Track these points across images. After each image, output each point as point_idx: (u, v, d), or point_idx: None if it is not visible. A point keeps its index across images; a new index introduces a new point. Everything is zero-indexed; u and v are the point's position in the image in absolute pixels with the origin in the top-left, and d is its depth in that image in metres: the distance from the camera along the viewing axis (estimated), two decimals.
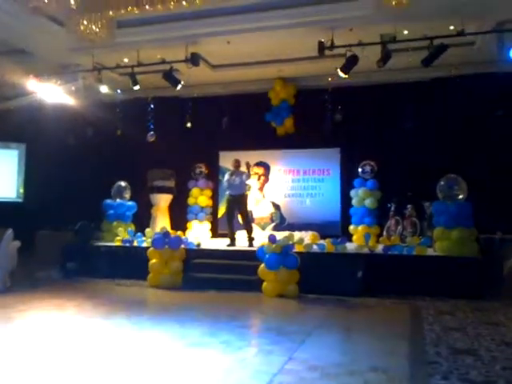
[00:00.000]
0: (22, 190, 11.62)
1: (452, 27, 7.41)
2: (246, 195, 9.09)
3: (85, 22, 8.01)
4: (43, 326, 5.20)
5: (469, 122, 9.11)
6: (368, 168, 9.74)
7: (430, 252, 7.66)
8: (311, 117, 10.29)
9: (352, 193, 9.84)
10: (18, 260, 7.77)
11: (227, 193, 9.13)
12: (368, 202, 9.58)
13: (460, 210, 7.48)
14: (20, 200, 11.57)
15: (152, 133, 11.03)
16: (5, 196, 11.45)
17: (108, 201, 10.10)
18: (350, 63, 7.97)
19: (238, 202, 8.92)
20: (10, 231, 7.56)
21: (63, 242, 9.30)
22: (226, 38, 8.42)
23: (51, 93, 9.73)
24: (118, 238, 9.24)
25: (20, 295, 6.90)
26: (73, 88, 9.88)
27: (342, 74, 8.18)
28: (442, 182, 7.93)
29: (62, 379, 3.59)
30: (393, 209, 9.13)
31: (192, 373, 3.72)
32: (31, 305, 6.27)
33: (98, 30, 8.16)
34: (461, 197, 7.75)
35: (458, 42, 7.69)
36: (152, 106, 11.26)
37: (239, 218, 9.27)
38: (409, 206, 8.95)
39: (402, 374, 3.78)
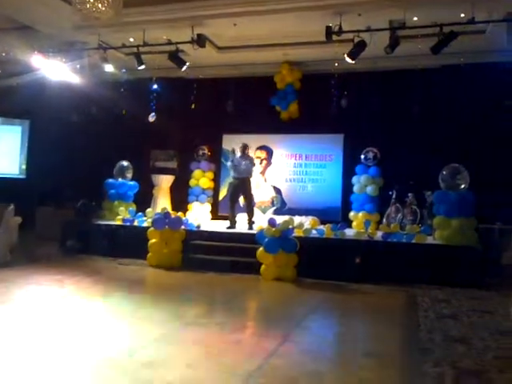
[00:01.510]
0: (24, 167, 11.65)
1: (463, 15, 7.30)
2: (250, 179, 9.10)
3: (91, 0, 7.96)
4: (41, 301, 5.26)
5: (475, 112, 9.03)
6: (371, 155, 9.70)
7: (429, 240, 7.66)
8: (316, 102, 10.21)
9: (354, 179, 9.82)
10: (18, 235, 7.83)
11: (232, 175, 9.13)
12: (369, 189, 9.56)
13: (461, 199, 7.46)
14: (22, 176, 11.62)
15: (153, 114, 10.97)
16: (7, 172, 11.50)
17: (110, 180, 10.12)
18: (358, 49, 7.87)
19: (243, 186, 8.95)
20: (11, 207, 7.60)
21: (64, 219, 9.35)
22: (232, 20, 8.31)
23: (56, 70, 9.69)
24: (119, 217, 9.29)
25: (19, 270, 6.97)
26: (78, 66, 9.82)
27: (349, 60, 8.10)
28: (445, 172, 7.89)
29: (56, 354, 3.64)
30: (394, 196, 9.11)
31: (186, 353, 3.76)
32: (30, 279, 6.34)
33: (104, 8, 8.08)
34: (463, 186, 7.72)
35: (468, 30, 7.57)
36: (156, 86, 11.21)
37: (241, 201, 9.29)
38: (410, 194, 8.94)
39: (394, 359, 3.83)
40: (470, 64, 9.07)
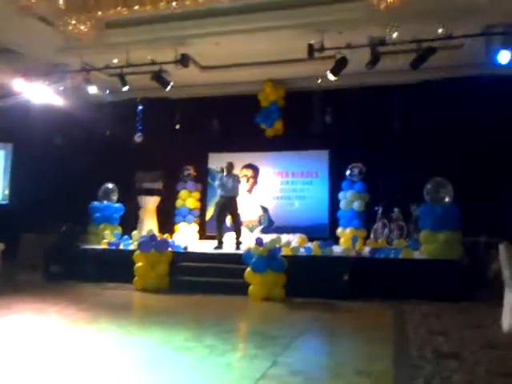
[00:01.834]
0: (7, 192, 11.46)
1: (440, 30, 7.44)
2: (237, 198, 9.07)
3: (73, 22, 7.96)
4: (23, 332, 5.11)
5: (457, 125, 9.14)
6: (356, 170, 9.74)
7: (416, 255, 7.67)
8: (301, 119, 10.27)
9: (340, 195, 9.84)
10: (1, 262, 7.65)
11: (219, 194, 9.10)
12: (356, 205, 9.59)
13: (446, 213, 7.51)
14: (5, 202, 11.41)
15: (139, 134, 10.96)
16: None
17: (95, 203, 10.00)
18: (340, 65, 7.97)
19: (230, 204, 8.91)
20: None
21: (48, 244, 9.17)
22: (215, 39, 8.37)
23: (39, 93, 9.62)
24: (105, 240, 9.15)
25: (1, 299, 6.78)
26: (61, 88, 9.77)
27: (331, 77, 8.18)
28: (429, 185, 7.95)
29: None
30: (380, 212, 9.14)
31: (176, 377, 3.67)
32: (12, 309, 6.16)
33: (86, 29, 8.11)
34: (447, 199, 7.78)
35: (446, 45, 7.71)
36: (141, 106, 11.20)
37: (228, 220, 9.23)
38: (395, 209, 8.97)
39: (385, 377, 3.77)
40: (450, 78, 9.23)
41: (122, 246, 8.85)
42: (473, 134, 9.05)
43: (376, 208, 9.20)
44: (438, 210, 7.60)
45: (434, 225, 7.57)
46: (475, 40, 7.78)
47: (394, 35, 7.59)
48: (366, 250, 8.08)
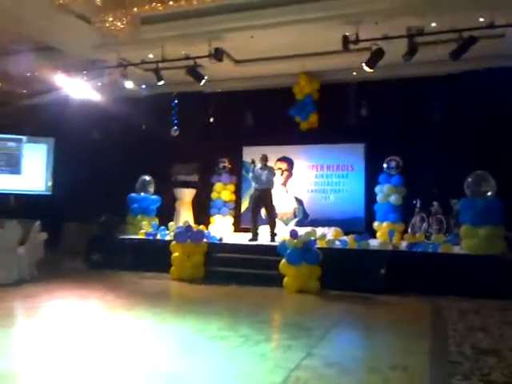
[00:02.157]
0: (50, 184, 11.89)
1: (482, 19, 7.19)
2: (272, 190, 9.08)
3: (110, 19, 8.14)
4: (67, 316, 5.32)
5: (499, 117, 8.82)
6: (393, 163, 9.57)
7: (456, 250, 7.48)
8: (336, 111, 10.16)
9: (377, 189, 9.69)
10: (44, 251, 7.97)
11: (253, 187, 9.13)
12: (393, 199, 9.42)
13: (488, 207, 7.28)
14: (48, 193, 11.84)
15: (176, 127, 11.14)
16: (34, 189, 11.75)
17: (133, 194, 10.25)
18: (376, 57, 7.83)
19: (265, 197, 8.94)
20: (37, 223, 7.75)
21: (89, 234, 9.49)
22: (249, 33, 8.36)
23: (78, 88, 9.91)
24: (142, 231, 9.37)
25: (45, 285, 7.09)
26: (99, 84, 10.02)
27: (367, 69, 8.05)
28: (470, 179, 7.73)
29: (82, 365, 3.66)
30: (418, 205, 8.94)
31: (209, 365, 3.73)
32: (56, 294, 6.44)
33: (122, 26, 8.28)
34: (489, 193, 7.54)
35: (487, 35, 7.45)
36: (176, 101, 11.35)
37: (263, 212, 9.26)
38: (435, 202, 8.75)
39: (422, 372, 3.71)
40: (491, 69, 8.91)
41: (158, 237, 9.03)
42: None
43: (414, 201, 9.00)
44: (479, 204, 7.38)
45: (474, 219, 7.36)
46: None
47: (433, 25, 7.40)
48: (404, 244, 7.95)
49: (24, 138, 11.81)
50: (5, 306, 5.70)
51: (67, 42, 8.90)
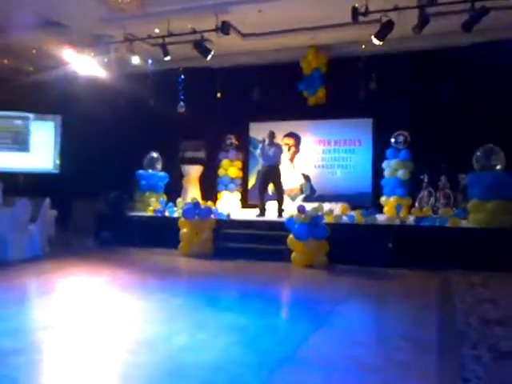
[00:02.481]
0: (58, 162, 11.93)
1: None
2: (279, 166, 9.08)
3: None
4: (80, 291, 5.42)
5: (509, 90, 8.69)
6: (401, 138, 9.50)
7: (463, 224, 7.49)
8: (344, 86, 10.02)
9: (384, 164, 9.65)
10: (55, 228, 8.07)
11: (261, 163, 9.12)
12: (400, 173, 9.39)
13: (497, 181, 7.25)
14: (56, 171, 11.90)
15: (182, 104, 11.06)
16: (42, 167, 11.80)
17: (140, 171, 10.28)
18: (385, 29, 7.67)
19: (272, 173, 8.95)
20: (47, 200, 7.82)
21: (97, 211, 9.57)
22: (256, 6, 8.24)
23: (85, 65, 9.84)
24: (150, 208, 9.43)
25: (57, 262, 7.20)
26: (105, 59, 9.94)
27: (376, 41, 7.91)
28: (479, 153, 7.68)
29: (98, 337, 3.75)
30: (426, 180, 8.91)
31: (220, 338, 3.80)
32: (68, 270, 6.54)
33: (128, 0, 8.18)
34: (499, 167, 7.50)
35: (500, 5, 7.29)
36: (183, 76, 11.26)
37: (270, 188, 9.29)
38: (442, 177, 8.73)
39: (430, 342, 3.77)
40: (504, 40, 8.73)
41: (167, 214, 9.09)
42: None
43: (422, 176, 8.97)
44: (488, 178, 7.34)
45: (483, 194, 7.34)
46: None
47: None
48: (411, 218, 7.95)
49: (31, 115, 11.80)
50: (20, 283, 5.82)
51: (73, 16, 8.79)
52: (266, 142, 9.03)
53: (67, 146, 11.77)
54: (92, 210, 9.84)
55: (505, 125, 8.61)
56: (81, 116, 11.39)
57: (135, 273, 6.53)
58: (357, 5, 7.41)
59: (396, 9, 7.39)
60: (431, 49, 9.35)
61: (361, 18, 7.49)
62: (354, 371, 3.15)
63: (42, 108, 11.80)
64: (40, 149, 11.83)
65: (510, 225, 7.05)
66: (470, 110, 9.08)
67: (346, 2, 7.47)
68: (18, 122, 11.74)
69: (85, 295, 5.21)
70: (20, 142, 11.68)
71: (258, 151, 9.12)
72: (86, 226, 9.64)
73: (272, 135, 9.10)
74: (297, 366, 3.22)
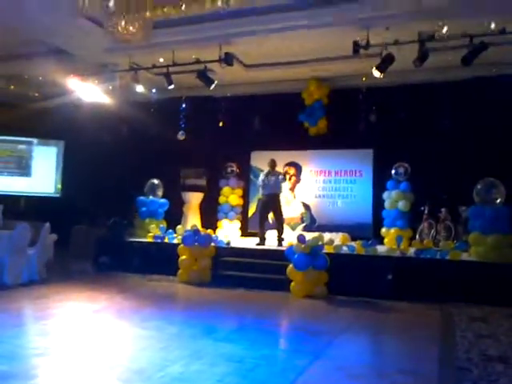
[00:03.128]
0: (59, 186, 11.98)
1: (493, 25, 7.18)
2: (280, 195, 9.09)
3: (122, 23, 8.22)
4: (76, 317, 5.35)
5: (509, 124, 8.78)
6: (402, 170, 9.54)
7: (464, 257, 7.44)
8: (345, 117, 10.16)
9: (385, 195, 9.66)
10: (54, 253, 8.03)
11: (261, 193, 9.14)
12: (401, 205, 9.39)
13: (497, 215, 7.25)
14: (58, 195, 11.94)
15: (182, 132, 11.19)
16: (44, 191, 11.86)
17: (141, 198, 10.31)
18: (386, 62, 7.82)
19: (273, 202, 8.96)
20: (47, 225, 7.81)
21: (97, 236, 9.55)
22: (259, 38, 8.41)
23: (89, 92, 10.00)
24: (150, 234, 9.41)
25: (56, 286, 7.13)
26: (110, 87, 10.11)
27: (377, 74, 8.04)
28: (479, 186, 7.71)
29: (91, 365, 3.68)
30: (426, 212, 8.91)
31: (217, 368, 3.73)
32: (65, 296, 6.47)
33: (134, 30, 8.36)
34: (498, 201, 7.51)
35: (499, 41, 7.44)
36: (185, 105, 11.42)
37: (270, 217, 9.28)
38: (443, 209, 8.73)
39: (430, 378, 3.70)
40: (503, 75, 8.88)
41: (166, 240, 9.06)
42: None
43: (422, 208, 8.97)
44: (488, 211, 7.34)
45: (483, 227, 7.34)
46: None
47: (444, 30, 7.40)
48: (411, 250, 7.91)
49: (35, 140, 11.93)
50: (16, 307, 5.76)
51: (80, 45, 8.98)
52: (267, 170, 9.07)
53: (69, 171, 11.86)
54: (92, 234, 9.83)
55: (505, 158, 8.67)
56: (83, 142, 11.51)
57: (132, 299, 6.46)
58: (358, 38, 7.58)
59: (396, 43, 7.55)
60: (431, 82, 9.50)
61: (362, 52, 7.65)
62: None
63: (45, 133, 11.95)
64: (42, 173, 11.92)
65: (510, 259, 7.00)
66: (470, 143, 9.17)
67: (348, 36, 7.64)
68: (22, 146, 11.88)
69: (80, 321, 5.14)
70: (22, 167, 11.78)
71: (260, 180, 9.14)
72: (86, 250, 9.60)
73: (273, 163, 9.15)
74: None
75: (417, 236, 8.93)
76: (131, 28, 8.21)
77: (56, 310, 5.61)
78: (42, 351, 3.98)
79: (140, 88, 9.85)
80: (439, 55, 8.03)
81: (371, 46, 7.52)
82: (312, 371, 3.74)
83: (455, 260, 7.27)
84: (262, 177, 9.16)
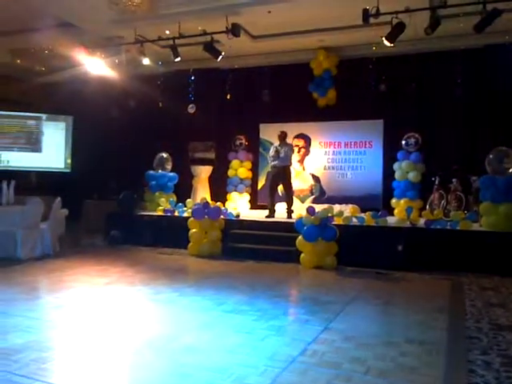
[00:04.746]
0: (69, 161, 12.06)
1: None
2: (290, 167, 9.05)
3: None
4: (89, 289, 5.45)
5: None
6: (412, 140, 9.43)
7: (475, 227, 7.41)
8: (354, 87, 10.03)
9: (395, 166, 9.59)
10: (65, 227, 8.14)
11: (272, 164, 9.07)
12: (411, 176, 9.32)
13: (509, 184, 7.17)
14: (68, 170, 12.03)
15: (192, 105, 11.13)
16: (54, 166, 11.94)
17: (150, 172, 10.34)
18: (397, 31, 7.63)
19: (282, 174, 8.92)
20: (58, 200, 7.89)
21: (108, 210, 9.64)
22: (267, 8, 8.24)
23: (96, 66, 9.93)
24: (160, 207, 9.47)
25: (68, 260, 7.27)
26: (116, 61, 10.02)
27: (387, 43, 7.87)
28: (491, 156, 7.61)
29: (103, 336, 3.77)
30: (437, 182, 8.84)
31: (227, 339, 3.80)
32: (78, 269, 6.60)
33: (139, 1, 8.23)
34: (511, 170, 7.41)
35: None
36: (193, 77, 11.32)
37: (280, 190, 9.27)
38: (454, 179, 8.64)
39: (439, 347, 3.73)
40: None
41: (176, 213, 9.13)
42: None
43: (433, 178, 8.90)
44: (500, 181, 7.26)
45: (495, 197, 7.26)
46: None
47: None
48: (422, 221, 7.89)
49: (44, 116, 11.94)
50: (30, 280, 5.88)
51: (85, 18, 8.87)
52: (277, 142, 9.01)
53: (78, 146, 11.90)
54: (102, 209, 9.93)
55: None
56: (92, 117, 11.51)
57: (143, 272, 6.55)
58: (367, 7, 7.38)
59: (407, 11, 7.35)
60: (443, 50, 9.29)
61: (371, 20, 7.46)
62: (359, 374, 3.12)
63: (54, 108, 11.94)
64: (52, 148, 11.98)
65: None
66: (481, 112, 9.01)
67: (357, 4, 7.45)
68: (31, 122, 11.90)
69: (93, 294, 5.24)
70: (33, 142, 11.84)
71: (270, 152, 9.06)
72: (97, 225, 9.73)
73: (284, 135, 9.06)
74: (303, 368, 3.20)
75: (427, 207, 8.88)
76: None
77: (69, 283, 5.72)
78: (56, 324, 4.08)
79: (146, 61, 9.74)
80: (451, 22, 7.83)
81: (381, 14, 7.33)
82: (321, 341, 3.78)
83: (466, 230, 7.24)
84: (272, 149, 9.10)
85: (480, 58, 9.06)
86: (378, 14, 7.34)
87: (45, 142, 11.92)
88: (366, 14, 7.40)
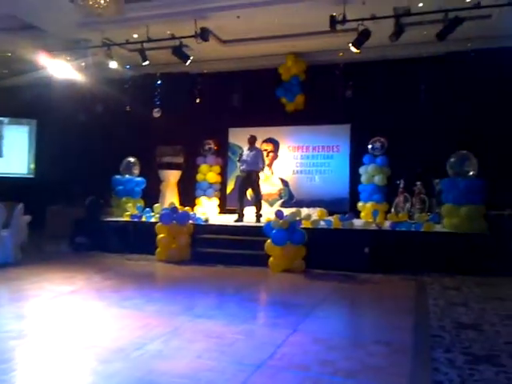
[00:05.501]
0: (32, 166, 11.74)
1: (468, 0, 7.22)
2: (259, 172, 9.06)
3: None
4: (53, 297, 5.30)
5: (481, 98, 8.92)
6: (378, 144, 9.66)
7: (438, 228, 7.62)
8: (322, 93, 10.16)
9: (361, 169, 9.78)
10: (28, 234, 7.90)
11: (240, 168, 9.08)
12: (377, 179, 9.53)
13: (469, 187, 7.42)
14: (31, 176, 11.70)
15: (158, 109, 11.04)
16: (16, 172, 11.60)
17: (117, 176, 10.17)
18: (362, 38, 7.82)
19: (250, 178, 8.93)
20: (20, 206, 7.66)
21: (73, 217, 9.42)
22: (235, 13, 8.28)
23: (61, 69, 9.72)
24: (127, 213, 9.33)
25: (31, 268, 7.04)
26: (82, 64, 9.85)
27: (353, 49, 8.05)
28: (453, 159, 7.85)
29: (69, 345, 3.68)
30: (402, 185, 9.07)
31: (196, 344, 3.77)
32: (42, 277, 6.40)
33: (106, 3, 8.10)
34: (471, 173, 7.68)
35: (473, 15, 7.48)
36: (160, 81, 11.23)
37: (249, 194, 9.28)
38: (418, 182, 8.90)
39: (404, 346, 3.81)
40: (477, 50, 8.97)
41: (144, 219, 9.01)
42: (498, 108, 8.84)
43: (398, 181, 9.13)
44: (461, 183, 7.50)
45: (456, 199, 7.50)
46: (504, 10, 7.53)
47: (420, 5, 7.40)
48: (387, 223, 8.06)
49: (5, 119, 11.60)
50: None
51: (50, 20, 8.69)
52: (246, 147, 9.03)
53: (42, 151, 11.61)
54: (67, 215, 9.69)
55: (478, 131, 8.83)
56: (57, 120, 11.25)
57: (110, 279, 6.43)
58: (334, 13, 7.53)
59: (373, 18, 7.53)
60: (407, 57, 9.55)
61: (338, 27, 7.62)
62: (328, 376, 3.16)
63: (16, 112, 11.61)
64: (14, 153, 11.64)
65: (483, 229, 7.21)
66: (444, 116, 9.29)
67: (324, 11, 7.59)
68: None
69: (57, 302, 5.11)
70: None
71: (239, 156, 9.05)
72: (61, 231, 9.48)
73: (253, 140, 9.08)
74: (272, 372, 3.22)
75: (392, 209, 9.09)
76: (102, 1, 7.97)
77: (31, 291, 5.55)
78: (17, 334, 3.94)
79: (114, 64, 9.62)
80: (415, 30, 8.07)
81: (348, 20, 7.49)
82: (290, 344, 3.81)
83: (429, 232, 7.44)
84: (240, 153, 9.11)
85: (443, 65, 9.35)
86: (344, 20, 7.50)
87: (6, 147, 11.57)
88: (333, 21, 7.56)
